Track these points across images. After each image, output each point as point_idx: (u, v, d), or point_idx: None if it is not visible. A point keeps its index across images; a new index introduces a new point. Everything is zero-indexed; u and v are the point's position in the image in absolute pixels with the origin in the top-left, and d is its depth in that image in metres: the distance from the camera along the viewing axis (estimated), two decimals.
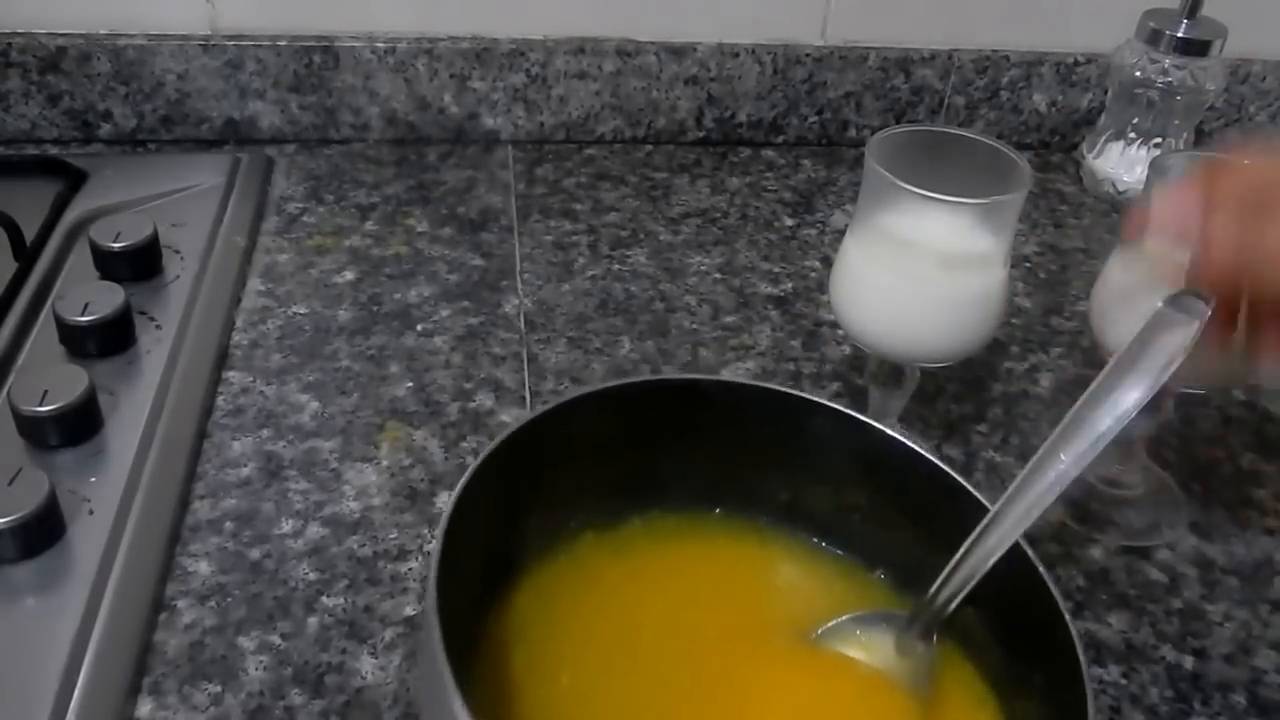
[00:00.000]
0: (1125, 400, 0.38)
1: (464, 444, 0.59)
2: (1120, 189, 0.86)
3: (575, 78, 0.85)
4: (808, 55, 0.86)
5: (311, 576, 0.51)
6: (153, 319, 0.63)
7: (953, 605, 0.40)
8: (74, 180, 0.75)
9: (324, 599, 0.50)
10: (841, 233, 0.54)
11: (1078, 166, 0.90)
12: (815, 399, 0.46)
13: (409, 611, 0.50)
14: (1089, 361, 0.68)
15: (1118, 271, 0.53)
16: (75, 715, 0.43)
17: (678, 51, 0.85)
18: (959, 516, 0.40)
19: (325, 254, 0.73)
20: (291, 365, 0.63)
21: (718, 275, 0.74)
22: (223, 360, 0.63)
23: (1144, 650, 0.51)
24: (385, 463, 0.58)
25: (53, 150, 0.81)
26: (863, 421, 0.45)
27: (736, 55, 0.86)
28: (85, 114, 0.82)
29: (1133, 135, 0.85)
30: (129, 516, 0.51)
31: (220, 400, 0.61)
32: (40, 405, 0.53)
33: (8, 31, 0.79)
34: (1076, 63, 0.89)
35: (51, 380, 0.55)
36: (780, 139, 0.90)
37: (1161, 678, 0.50)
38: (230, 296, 0.68)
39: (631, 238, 0.77)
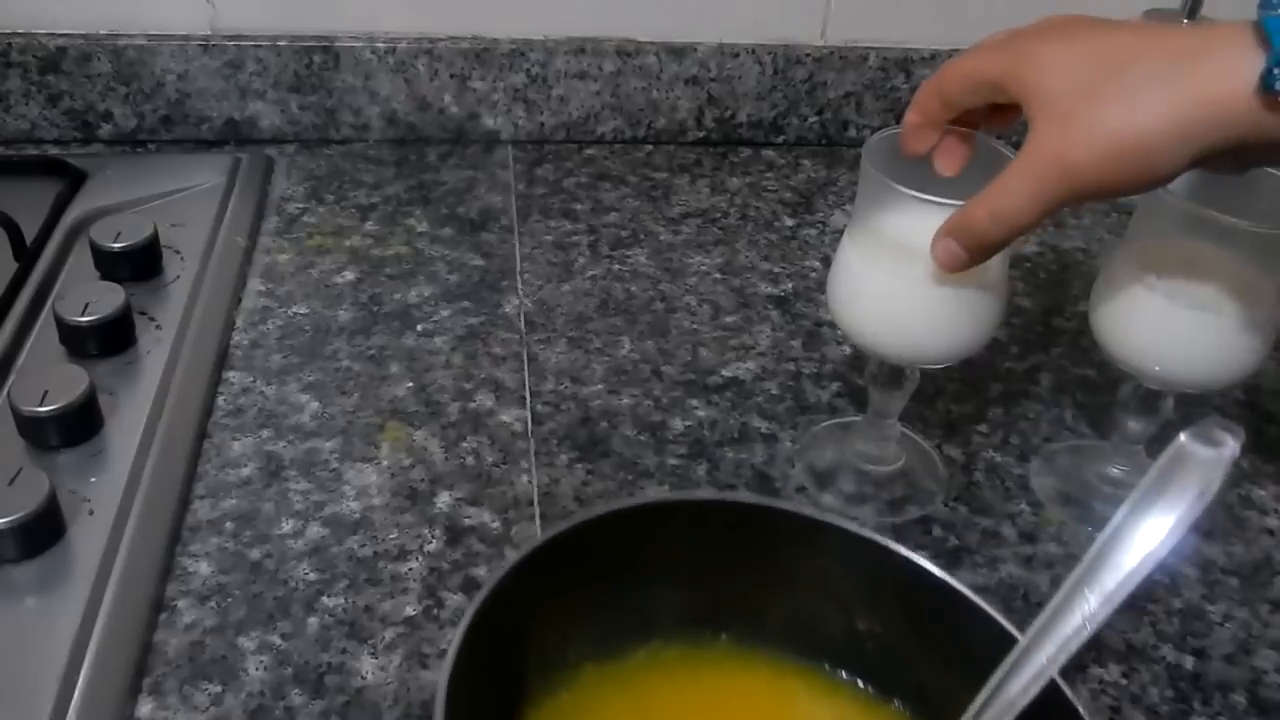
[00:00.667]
0: (1153, 539, 0.36)
1: (464, 444, 0.59)
2: None
3: (575, 78, 0.85)
4: (808, 55, 0.86)
5: (312, 576, 0.51)
6: (153, 319, 0.63)
7: None
8: (74, 180, 0.75)
9: (324, 599, 0.50)
10: (841, 233, 0.54)
11: None
12: (823, 518, 0.43)
13: (409, 611, 0.50)
14: (1089, 361, 0.68)
15: (1118, 271, 0.53)
16: (75, 715, 0.43)
17: (678, 51, 0.85)
18: (982, 644, 0.38)
19: (325, 254, 0.73)
20: (292, 365, 0.63)
21: (718, 275, 0.74)
22: (223, 360, 0.63)
23: (1144, 650, 0.51)
24: (385, 463, 0.58)
25: (53, 150, 0.81)
26: (874, 541, 0.42)
27: (736, 55, 0.86)
28: (85, 114, 0.82)
29: None
30: (129, 516, 0.51)
31: (220, 400, 0.61)
32: (40, 405, 0.53)
33: (8, 31, 0.79)
34: None
35: (51, 380, 0.55)
36: (780, 139, 0.90)
37: (1161, 678, 0.50)
38: (230, 296, 0.68)
39: (631, 238, 0.78)
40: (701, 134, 0.89)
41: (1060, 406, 0.65)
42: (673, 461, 0.59)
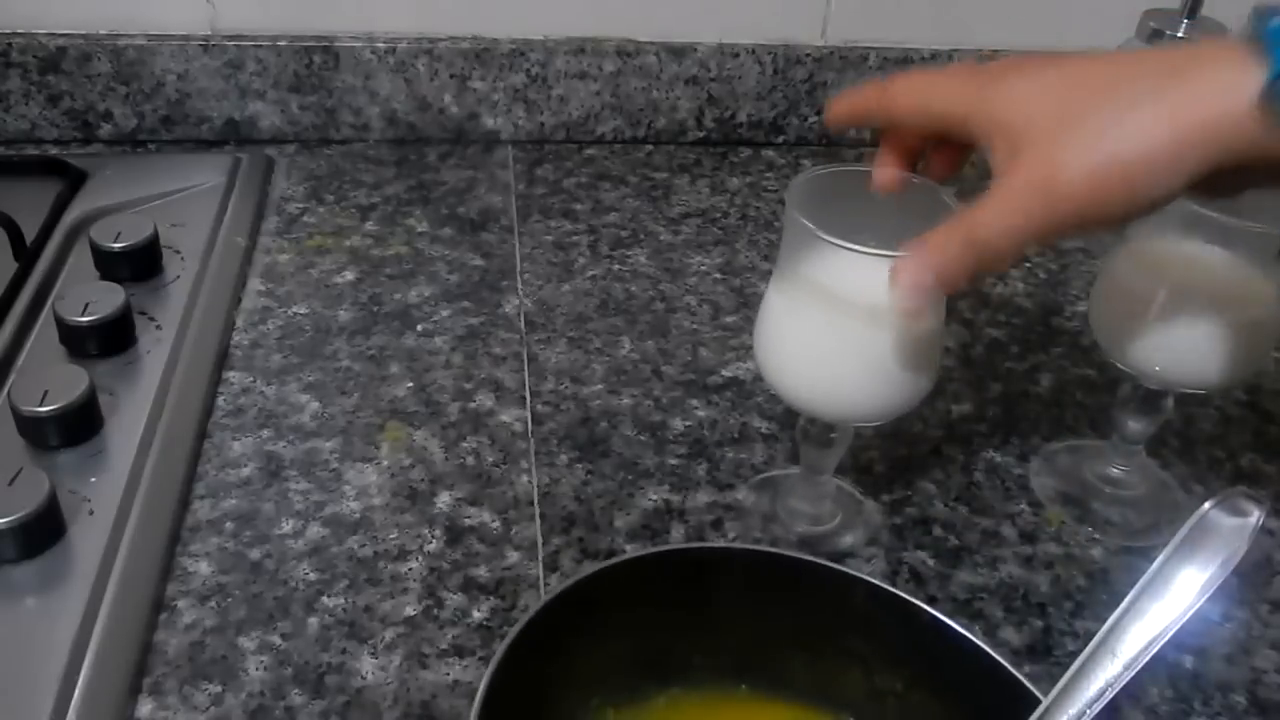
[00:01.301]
0: (1177, 606, 0.37)
1: (464, 444, 0.59)
2: None
3: (575, 78, 0.85)
4: (808, 55, 0.86)
5: (312, 576, 0.51)
6: (153, 319, 0.63)
7: None
8: (74, 180, 0.75)
9: (324, 599, 0.50)
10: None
11: None
12: (848, 571, 0.43)
13: (409, 611, 0.50)
14: (1089, 361, 0.68)
15: (1118, 271, 0.53)
16: (75, 715, 0.43)
17: (678, 51, 0.85)
18: (1004, 705, 0.38)
19: (325, 254, 0.73)
20: (292, 365, 0.63)
21: (718, 275, 0.74)
22: (223, 360, 0.63)
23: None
24: (385, 463, 0.58)
25: (53, 150, 0.81)
26: (899, 597, 0.42)
27: (736, 55, 0.86)
28: (85, 114, 0.82)
29: None
30: (129, 516, 0.51)
31: (220, 400, 0.61)
32: (40, 405, 0.54)
33: (8, 31, 0.79)
34: None
35: (52, 380, 0.55)
36: (780, 139, 0.90)
37: (1161, 678, 0.50)
38: (230, 296, 0.68)
39: (631, 238, 0.78)
40: (701, 134, 0.89)
41: (1060, 406, 0.65)
42: (673, 461, 0.59)
